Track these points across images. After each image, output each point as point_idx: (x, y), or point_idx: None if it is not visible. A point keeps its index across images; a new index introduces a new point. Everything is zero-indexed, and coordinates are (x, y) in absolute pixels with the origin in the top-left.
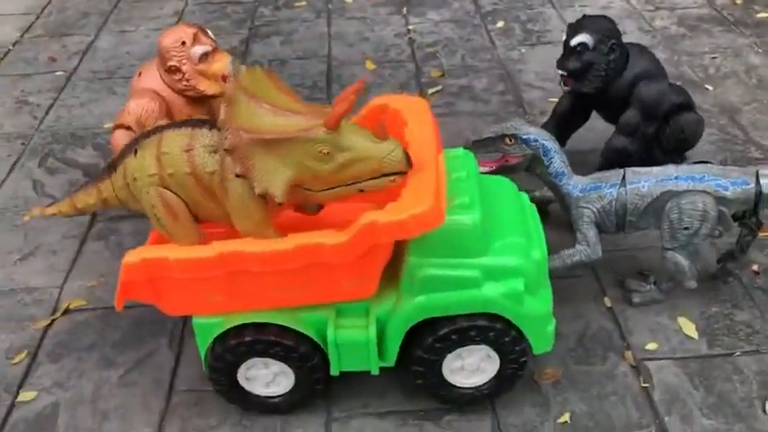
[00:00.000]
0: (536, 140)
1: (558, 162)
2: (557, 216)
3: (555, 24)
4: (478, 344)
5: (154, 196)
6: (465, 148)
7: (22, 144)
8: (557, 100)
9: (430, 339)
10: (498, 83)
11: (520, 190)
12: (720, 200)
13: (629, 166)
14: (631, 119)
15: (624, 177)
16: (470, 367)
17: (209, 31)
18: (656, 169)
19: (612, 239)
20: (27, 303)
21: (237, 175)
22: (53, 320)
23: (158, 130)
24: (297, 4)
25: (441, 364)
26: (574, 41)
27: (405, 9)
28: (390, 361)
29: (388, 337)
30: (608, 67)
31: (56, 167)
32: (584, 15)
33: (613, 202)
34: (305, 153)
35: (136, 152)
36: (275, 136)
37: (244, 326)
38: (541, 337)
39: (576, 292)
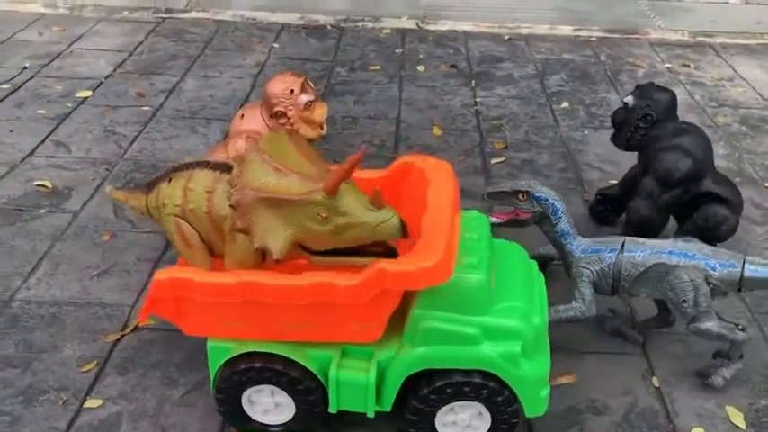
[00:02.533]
0: (546, 199)
1: (564, 222)
2: (554, 274)
3: None
4: (472, 400)
5: (172, 224)
6: (482, 198)
7: (107, 170)
8: (616, 182)
9: (425, 390)
10: (560, 160)
11: (527, 245)
12: (708, 278)
13: (650, 231)
14: (646, 183)
15: (623, 245)
16: (462, 422)
17: (311, 83)
18: (653, 242)
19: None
20: (100, 317)
21: (238, 230)
22: (123, 335)
23: (191, 165)
24: (371, 67)
25: (434, 415)
26: (625, 98)
27: (473, 82)
28: (387, 406)
29: (387, 383)
30: (634, 132)
31: None
32: (650, 82)
33: (611, 266)
34: (305, 215)
35: (170, 180)
36: (277, 196)
37: (253, 353)
38: (534, 401)
39: (626, 368)
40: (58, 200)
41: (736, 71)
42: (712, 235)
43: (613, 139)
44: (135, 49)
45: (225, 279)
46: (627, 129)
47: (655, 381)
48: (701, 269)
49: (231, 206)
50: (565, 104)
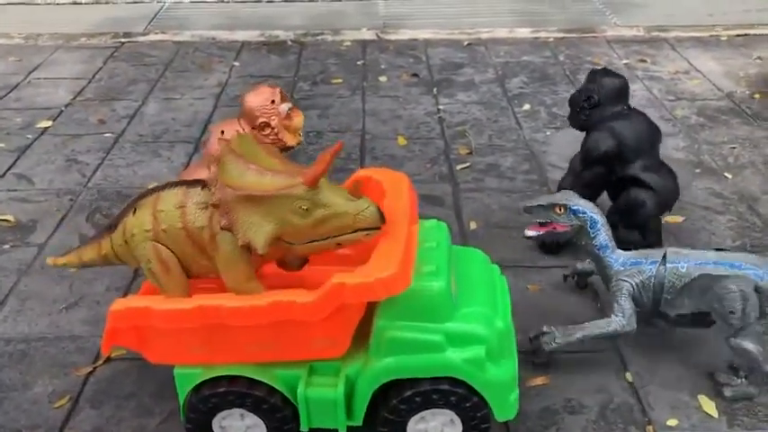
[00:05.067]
0: (585, 212)
1: (603, 235)
2: (595, 288)
3: None
4: (441, 408)
5: (149, 250)
6: (522, 212)
7: (71, 200)
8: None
9: (394, 401)
10: (524, 162)
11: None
12: (757, 288)
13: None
14: (574, 159)
15: (665, 256)
16: (434, 430)
17: (284, 91)
18: (696, 252)
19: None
20: (70, 351)
21: (222, 228)
22: (95, 368)
23: (155, 190)
24: (333, 80)
25: (405, 425)
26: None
27: (435, 90)
28: (358, 420)
29: (357, 397)
30: (579, 112)
31: (102, 223)
32: (604, 68)
33: (652, 279)
34: (286, 208)
35: (135, 211)
36: (258, 193)
37: (221, 377)
38: (504, 405)
39: (599, 365)
40: (23, 234)
41: (691, 64)
42: (631, 219)
43: (569, 118)
44: (94, 76)
45: (182, 305)
46: (575, 108)
47: (628, 376)
48: (749, 279)
49: (213, 205)
50: (526, 107)
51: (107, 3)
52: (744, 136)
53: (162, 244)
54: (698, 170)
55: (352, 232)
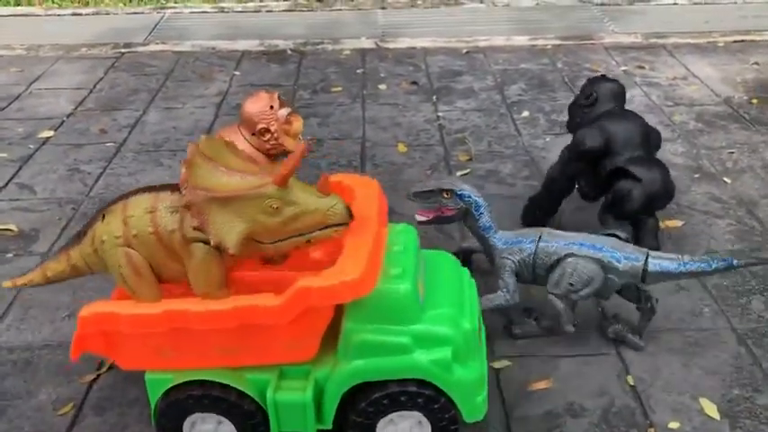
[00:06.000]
0: (470, 196)
1: (486, 217)
2: (478, 266)
3: None
4: (410, 409)
5: (120, 255)
6: (407, 197)
7: (73, 209)
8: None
9: (363, 404)
10: (523, 168)
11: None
12: (612, 270)
13: (553, 193)
14: (563, 150)
15: (541, 236)
16: None
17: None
18: (569, 233)
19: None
20: None
21: (195, 228)
22: (99, 375)
23: (124, 196)
24: (333, 89)
25: (374, 428)
26: None
27: (434, 97)
28: (327, 423)
29: (326, 400)
30: (577, 111)
31: None
32: (602, 74)
33: (531, 256)
34: (256, 208)
35: (103, 218)
36: (229, 194)
37: (192, 382)
38: (471, 406)
39: (601, 369)
40: (25, 243)
41: (689, 70)
42: (618, 210)
43: (567, 125)
44: (95, 86)
45: (150, 310)
46: (573, 109)
47: (629, 379)
48: (605, 261)
49: (185, 206)
50: (525, 113)
51: (107, 14)
52: (742, 141)
53: (133, 249)
54: (697, 175)
55: (322, 229)
